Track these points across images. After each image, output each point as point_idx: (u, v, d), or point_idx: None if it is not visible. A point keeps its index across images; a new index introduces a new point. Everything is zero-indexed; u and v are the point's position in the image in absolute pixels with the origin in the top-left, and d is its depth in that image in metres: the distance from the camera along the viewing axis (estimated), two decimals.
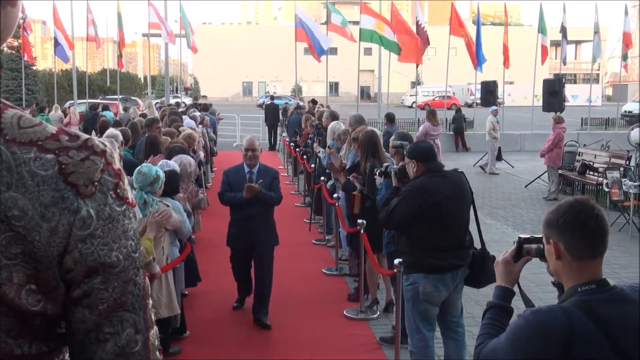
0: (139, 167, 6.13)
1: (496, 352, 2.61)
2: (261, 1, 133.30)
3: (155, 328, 1.30)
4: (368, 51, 39.52)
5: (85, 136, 1.22)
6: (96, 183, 1.19)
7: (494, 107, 21.52)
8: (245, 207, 7.28)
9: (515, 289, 2.88)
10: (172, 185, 6.85)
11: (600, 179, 14.09)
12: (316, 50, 27.61)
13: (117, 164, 1.24)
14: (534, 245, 2.83)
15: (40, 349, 1.21)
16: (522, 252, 2.87)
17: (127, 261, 1.22)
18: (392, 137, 7.32)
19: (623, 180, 13.08)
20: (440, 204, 5.30)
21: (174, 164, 7.65)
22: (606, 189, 12.91)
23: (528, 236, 2.88)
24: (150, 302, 1.30)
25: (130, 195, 1.27)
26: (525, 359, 2.50)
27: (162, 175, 6.18)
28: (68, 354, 1.27)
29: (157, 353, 1.29)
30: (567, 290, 2.55)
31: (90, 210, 1.17)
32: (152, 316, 1.29)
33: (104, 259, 1.19)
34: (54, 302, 1.18)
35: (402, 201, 5.38)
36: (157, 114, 16.73)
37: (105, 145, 1.23)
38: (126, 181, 1.26)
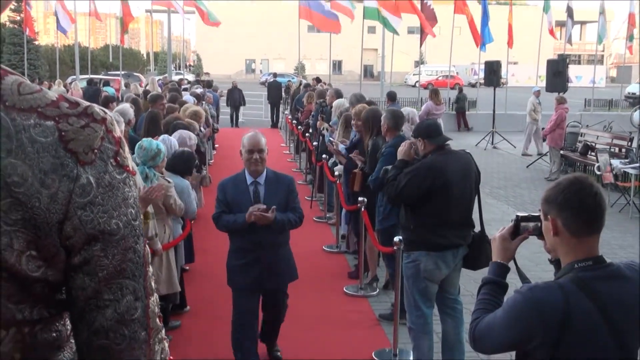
0: (140, 142, 6.14)
1: (492, 327, 2.63)
2: None
3: (156, 296, 1.30)
4: (372, 29, 39.39)
5: (85, 103, 1.21)
6: (96, 150, 1.18)
7: (537, 88, 21.25)
8: (251, 234, 5.27)
9: (512, 265, 2.90)
10: (186, 165, 6.90)
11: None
12: (328, 16, 27.45)
13: (117, 132, 1.23)
14: (531, 224, 2.85)
15: (41, 315, 1.21)
16: (519, 229, 2.88)
17: (126, 229, 1.22)
18: (383, 116, 7.24)
19: (612, 161, 13.14)
20: (450, 182, 5.31)
21: (173, 140, 7.66)
22: (597, 172, 12.93)
23: (526, 214, 2.89)
24: (151, 269, 1.30)
25: (131, 163, 1.26)
26: (521, 334, 2.53)
27: (163, 149, 6.19)
28: (69, 320, 1.28)
29: (157, 320, 1.30)
30: (564, 267, 2.58)
31: (90, 177, 1.17)
32: (152, 284, 1.29)
33: (103, 226, 1.19)
34: (54, 269, 1.18)
35: (413, 179, 5.35)
36: (159, 90, 16.76)
37: (105, 113, 1.23)
38: (127, 149, 1.26)
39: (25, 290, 1.17)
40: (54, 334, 1.25)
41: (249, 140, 5.33)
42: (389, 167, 5.88)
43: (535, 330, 2.47)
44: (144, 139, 6.26)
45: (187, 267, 8.08)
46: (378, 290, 7.80)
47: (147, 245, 1.29)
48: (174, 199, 6.19)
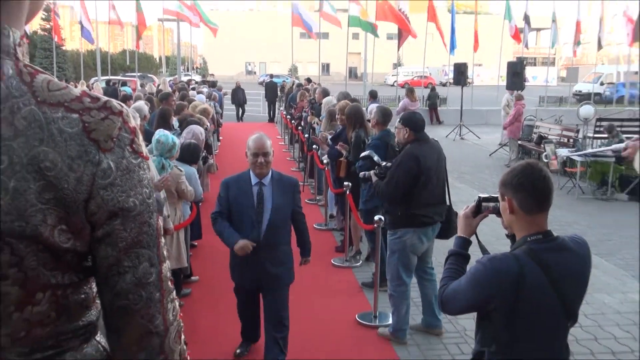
0: (157, 136, 6.13)
1: (457, 292, 2.66)
2: None
3: (167, 262, 1.31)
4: (356, 36, 39.27)
5: (105, 98, 1.22)
6: (114, 139, 1.19)
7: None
8: (252, 233, 4.66)
9: (474, 239, 2.94)
10: (193, 155, 6.94)
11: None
12: (308, 28, 27.73)
13: (133, 123, 1.25)
14: (491, 204, 2.87)
15: (71, 279, 1.23)
16: (481, 208, 2.92)
17: (142, 206, 1.24)
18: (374, 112, 7.27)
19: (560, 150, 13.24)
20: (429, 167, 5.37)
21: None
22: (545, 160, 13.00)
23: (486, 195, 2.91)
24: (163, 240, 1.31)
25: (145, 149, 1.27)
26: (482, 297, 2.56)
27: (177, 142, 6.22)
28: (95, 284, 1.30)
29: (169, 283, 1.31)
30: (518, 240, 2.61)
31: (110, 162, 1.18)
32: (165, 252, 1.31)
33: (122, 204, 1.20)
34: (81, 240, 1.20)
35: (397, 169, 5.38)
36: (170, 90, 16.81)
37: (122, 106, 1.24)
38: (140, 137, 1.27)
39: (58, 259, 1.18)
40: (82, 296, 1.27)
41: (254, 143, 4.59)
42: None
43: (494, 294, 2.50)
44: (160, 133, 6.24)
45: (196, 244, 8.11)
46: (361, 262, 7.83)
47: (159, 220, 1.30)
48: (185, 185, 6.22)
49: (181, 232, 6.35)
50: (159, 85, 24.35)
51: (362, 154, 6.04)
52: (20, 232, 1.11)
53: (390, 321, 5.82)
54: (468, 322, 5.80)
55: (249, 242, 4.54)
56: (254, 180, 4.66)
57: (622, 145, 4.02)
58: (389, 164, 5.70)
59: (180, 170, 6.19)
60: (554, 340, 2.57)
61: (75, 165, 1.15)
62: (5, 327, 1.15)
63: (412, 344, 5.59)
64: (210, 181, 10.52)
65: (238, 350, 5.30)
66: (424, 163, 5.34)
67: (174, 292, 1.34)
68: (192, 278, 7.08)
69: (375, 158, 5.95)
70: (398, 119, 5.68)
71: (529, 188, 2.54)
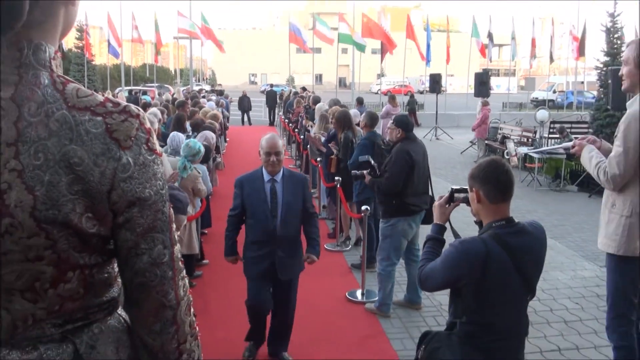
0: (188, 141, 6.26)
1: (434, 271, 2.67)
2: (264, 10, 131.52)
3: (178, 245, 1.33)
4: (345, 50, 39.20)
5: (124, 103, 1.24)
6: (133, 138, 1.21)
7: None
8: (267, 227, 4.30)
9: (448, 226, 2.94)
10: (205, 156, 6.96)
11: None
12: (303, 42, 27.82)
13: (148, 124, 1.26)
14: (462, 194, 2.88)
15: (97, 260, 1.24)
16: (453, 199, 2.92)
17: (156, 196, 1.25)
18: (362, 116, 7.30)
19: (518, 148, 13.29)
20: (417, 161, 5.40)
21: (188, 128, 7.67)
22: (507, 157, 13.04)
23: (458, 187, 2.92)
24: (174, 226, 1.32)
25: (158, 147, 1.28)
26: (454, 275, 2.57)
27: (202, 150, 6.31)
28: (116, 264, 1.31)
29: (180, 263, 1.33)
30: (484, 226, 2.61)
31: (129, 158, 1.20)
32: (176, 236, 1.32)
33: (139, 194, 1.22)
34: (105, 226, 1.22)
35: (395, 164, 5.37)
36: (184, 98, 16.83)
37: (139, 110, 1.26)
38: (154, 137, 1.28)
39: (85, 243, 1.20)
40: (106, 275, 1.29)
41: (267, 143, 4.29)
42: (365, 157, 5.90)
43: (464, 273, 2.50)
44: (191, 139, 6.38)
45: (206, 232, 8.08)
46: (350, 246, 7.82)
47: (171, 208, 1.31)
48: (201, 185, 6.28)
49: (193, 222, 6.33)
50: (174, 94, 24.31)
51: (361, 159, 5.98)
52: (53, 219, 1.13)
53: (376, 298, 5.82)
54: (443, 297, 5.81)
55: (238, 258, 4.47)
56: (266, 177, 4.33)
57: (570, 143, 4.01)
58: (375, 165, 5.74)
59: (199, 173, 6.25)
60: (515, 310, 2.58)
61: (99, 161, 1.17)
62: (42, 301, 1.18)
63: (395, 317, 5.59)
64: (218, 176, 10.50)
65: (247, 353, 4.68)
66: (414, 157, 5.38)
67: (184, 271, 1.35)
68: (203, 262, 7.06)
69: (372, 162, 5.92)
70: (391, 121, 5.69)
71: (493, 180, 2.55)
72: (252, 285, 4.46)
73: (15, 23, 1.12)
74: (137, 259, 1.25)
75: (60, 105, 1.15)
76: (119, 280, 1.33)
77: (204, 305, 5.78)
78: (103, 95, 1.26)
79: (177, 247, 1.32)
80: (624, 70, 3.52)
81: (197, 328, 1.39)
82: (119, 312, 1.36)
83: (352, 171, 6.19)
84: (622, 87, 3.59)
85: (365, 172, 5.77)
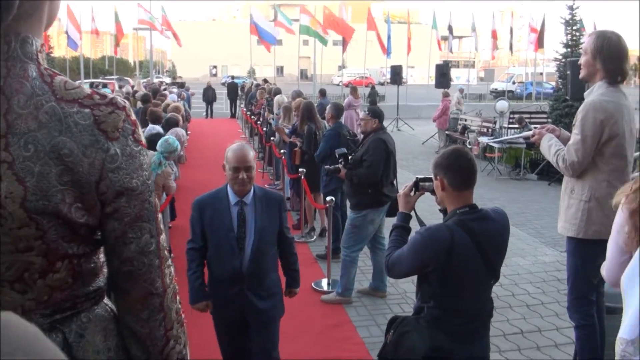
0: (167, 137, 6.25)
1: (401, 258, 2.70)
2: (224, 2, 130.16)
3: (164, 235, 1.35)
4: (306, 42, 39.10)
5: (111, 95, 1.26)
6: (120, 129, 1.23)
7: (461, 87, 21.62)
8: (233, 261, 3.34)
9: (413, 214, 2.99)
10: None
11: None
12: (269, 41, 27.68)
13: (134, 116, 1.28)
14: (426, 183, 2.92)
15: (84, 250, 1.26)
16: (417, 187, 2.97)
17: (143, 186, 1.27)
18: (328, 107, 7.33)
19: (480, 138, 13.55)
20: (392, 152, 5.53)
21: (159, 128, 7.62)
22: (469, 146, 13.28)
23: (422, 177, 2.96)
24: (160, 216, 1.35)
25: (143, 138, 1.31)
26: (420, 262, 2.61)
27: (179, 147, 6.28)
28: (103, 254, 1.33)
29: (165, 252, 1.36)
30: (449, 213, 2.66)
31: (116, 149, 1.22)
32: (161, 225, 1.34)
33: (127, 184, 1.24)
34: (93, 216, 1.24)
35: (374, 154, 5.43)
36: (144, 90, 16.63)
37: (125, 102, 1.28)
38: (140, 128, 1.30)
39: (74, 233, 1.22)
40: (92, 265, 1.30)
41: (234, 156, 3.33)
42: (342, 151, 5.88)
43: (430, 259, 2.55)
44: (169, 136, 6.37)
45: (170, 225, 8.01)
46: (315, 237, 7.87)
47: (156, 198, 1.33)
48: (172, 182, 6.30)
49: (159, 214, 6.33)
50: (134, 86, 23.93)
51: (337, 151, 5.97)
52: (43, 209, 1.15)
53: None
54: (407, 285, 5.91)
55: (209, 304, 3.43)
56: (233, 198, 3.37)
57: (530, 133, 4.14)
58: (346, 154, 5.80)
59: (172, 170, 6.25)
60: (480, 294, 2.65)
61: (88, 152, 1.19)
62: (31, 292, 1.19)
63: (360, 305, 5.66)
64: (180, 170, 10.41)
65: None
66: (389, 147, 5.51)
67: (170, 260, 1.38)
68: (170, 256, 7.03)
69: (348, 155, 5.92)
70: (366, 112, 5.76)
71: (456, 168, 2.60)
72: (224, 344, 3.56)
73: (7, 16, 1.13)
74: (124, 248, 1.27)
75: (48, 97, 1.17)
76: (105, 270, 1.35)
77: None
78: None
79: (163, 236, 1.35)
80: (582, 59, 3.65)
81: (183, 315, 1.42)
82: (106, 301, 1.38)
83: (326, 167, 6.20)
84: (580, 76, 3.73)
85: (339, 165, 5.79)
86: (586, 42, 3.67)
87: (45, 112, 1.16)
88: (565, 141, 3.71)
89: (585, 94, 3.70)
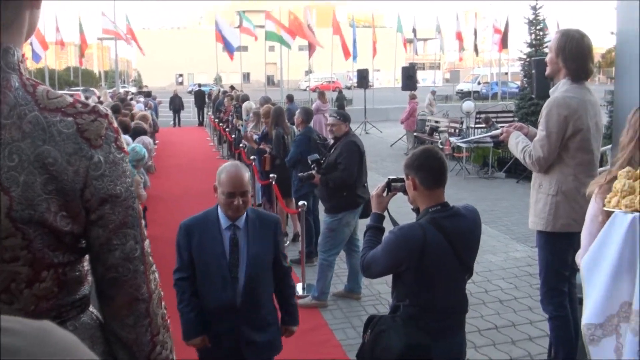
0: (133, 145, 6.20)
1: (375, 258, 2.73)
2: (189, 9, 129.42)
3: (148, 241, 1.37)
4: (272, 48, 39.12)
5: (92, 104, 1.27)
6: (103, 137, 1.24)
7: (433, 89, 21.98)
8: (225, 292, 3.00)
9: (386, 215, 3.02)
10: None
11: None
12: (229, 50, 27.68)
13: (116, 124, 1.30)
14: (398, 184, 2.95)
15: (69, 259, 1.27)
16: (390, 188, 3.00)
17: (127, 193, 1.29)
18: (297, 112, 7.36)
19: (451, 138, 13.75)
20: (364, 153, 5.62)
21: (128, 138, 7.56)
22: (440, 146, 13.46)
23: (394, 177, 2.99)
24: (143, 222, 1.36)
25: (125, 146, 1.32)
26: (394, 261, 2.64)
27: (146, 155, 6.24)
28: (88, 261, 1.34)
29: (150, 257, 1.37)
30: (421, 212, 2.70)
31: (100, 157, 1.23)
32: (145, 232, 1.36)
33: (111, 191, 1.25)
34: (78, 224, 1.24)
35: (348, 157, 5.47)
36: (110, 100, 16.47)
37: (107, 110, 1.29)
38: (122, 136, 1.31)
39: (59, 241, 1.22)
40: (77, 273, 1.31)
41: (228, 179, 2.95)
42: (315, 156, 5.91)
43: (404, 257, 2.58)
44: (137, 144, 6.29)
45: None
46: (288, 242, 7.85)
47: (139, 205, 1.35)
48: (142, 190, 6.26)
49: None
50: (100, 97, 23.62)
51: (310, 158, 5.97)
52: (29, 219, 1.16)
53: (314, 291, 5.89)
54: (382, 286, 5.95)
55: (205, 339, 3.03)
56: (224, 222, 3.04)
57: (498, 131, 4.24)
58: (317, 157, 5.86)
59: (141, 178, 6.21)
60: (455, 290, 2.70)
61: (72, 160, 1.20)
62: (17, 302, 1.20)
63: (336, 308, 5.68)
64: (150, 179, 10.32)
65: None
66: (362, 149, 5.60)
67: (154, 266, 1.39)
68: None
69: (320, 160, 5.94)
70: (336, 117, 5.79)
71: (427, 168, 2.64)
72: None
73: None
74: (109, 255, 1.28)
75: (32, 107, 1.18)
76: (90, 278, 1.35)
77: None
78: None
79: (147, 242, 1.36)
80: (547, 57, 3.77)
81: (169, 320, 1.43)
82: (91, 309, 1.38)
83: (300, 174, 6.20)
84: (546, 73, 3.84)
85: (312, 172, 5.79)
86: (552, 40, 3.78)
87: (28, 122, 1.16)
88: (533, 138, 3.80)
89: (550, 91, 3.80)
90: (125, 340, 1.33)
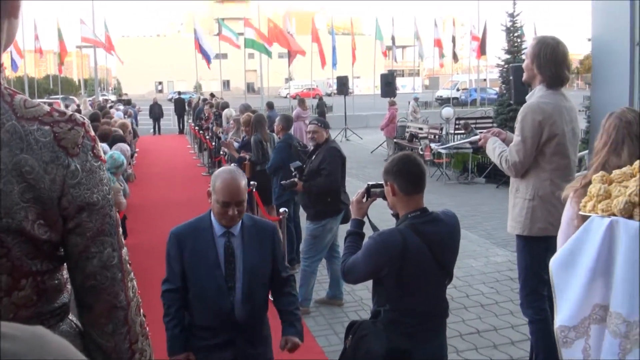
0: (111, 152, 6.14)
1: (356, 263, 2.74)
2: (168, 17, 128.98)
3: (125, 249, 1.38)
4: (251, 55, 39.05)
5: (69, 112, 1.29)
6: (79, 145, 1.25)
7: (416, 95, 22.16)
8: (223, 307, 2.81)
9: (366, 220, 3.03)
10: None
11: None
12: (206, 58, 27.73)
13: (92, 132, 1.31)
14: (378, 190, 2.97)
15: (48, 267, 1.27)
16: (370, 194, 3.02)
17: (104, 200, 1.30)
18: (277, 119, 7.37)
19: (431, 144, 13.88)
20: (344, 158, 5.70)
21: (106, 146, 7.50)
22: (421, 152, 13.57)
23: (374, 183, 3.01)
24: (120, 230, 1.37)
25: (102, 154, 1.33)
26: (375, 266, 2.65)
27: (125, 162, 6.20)
28: (67, 270, 1.34)
29: (128, 265, 1.38)
30: (401, 217, 2.72)
31: (77, 165, 1.24)
32: (122, 239, 1.37)
33: (88, 199, 1.26)
34: (56, 232, 1.25)
35: (331, 163, 5.52)
36: (90, 109, 16.38)
37: (84, 118, 1.30)
38: (99, 144, 1.32)
39: (37, 249, 1.23)
40: (56, 281, 1.32)
41: (224, 187, 2.76)
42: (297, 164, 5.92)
43: (384, 263, 2.59)
44: (114, 151, 6.26)
45: None
46: None
47: (117, 212, 1.36)
48: (122, 198, 6.19)
49: None
50: (79, 105, 23.45)
51: (292, 165, 5.97)
52: (7, 227, 1.17)
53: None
54: (364, 292, 5.96)
55: (190, 356, 2.79)
56: (218, 229, 2.83)
57: (477, 137, 4.29)
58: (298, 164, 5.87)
59: (120, 185, 6.16)
60: (435, 295, 2.71)
61: (49, 168, 1.21)
62: None
63: (319, 315, 5.68)
64: (129, 188, 10.24)
65: None
66: (343, 154, 5.68)
67: (132, 273, 1.41)
68: None
69: (302, 167, 5.95)
70: (317, 123, 5.85)
71: (405, 173, 2.66)
72: None
73: None
74: (87, 263, 1.29)
75: (9, 116, 1.19)
76: (69, 286, 1.37)
77: None
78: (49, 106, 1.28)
79: (125, 250, 1.37)
80: (524, 63, 3.83)
81: (148, 328, 1.44)
82: (70, 318, 1.39)
83: (282, 182, 6.18)
84: (522, 79, 3.90)
85: (295, 179, 5.79)
86: (528, 46, 3.85)
87: (6, 131, 1.17)
88: (510, 143, 3.85)
89: (527, 97, 3.86)
90: (105, 348, 1.34)
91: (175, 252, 2.85)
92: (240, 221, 2.86)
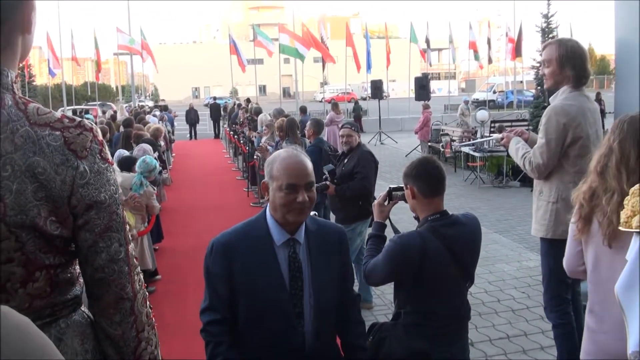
0: (144, 157, 6.34)
1: (377, 265, 2.77)
2: (204, 23, 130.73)
3: (132, 244, 1.48)
4: (287, 60, 39.29)
5: (78, 119, 1.40)
6: (88, 149, 1.37)
7: (466, 98, 22.24)
8: (290, 337, 2.12)
9: (387, 223, 3.05)
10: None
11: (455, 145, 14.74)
12: (243, 62, 28.06)
13: (100, 137, 1.42)
14: (399, 192, 3.00)
15: (60, 260, 1.39)
16: (391, 197, 3.05)
17: (111, 199, 1.40)
18: (308, 124, 7.46)
19: (453, 143, 13.81)
20: (377, 162, 5.78)
21: (124, 151, 7.76)
22: (441, 149, 13.52)
23: (396, 186, 3.03)
24: (128, 226, 1.47)
25: (109, 156, 1.44)
26: (395, 268, 2.68)
27: (158, 167, 6.36)
28: (78, 264, 1.46)
29: (134, 260, 1.49)
30: (421, 220, 2.74)
31: (85, 167, 1.35)
32: (129, 236, 1.47)
33: (96, 198, 1.37)
34: (66, 228, 1.37)
35: (365, 167, 5.60)
36: (126, 115, 16.79)
37: (92, 124, 1.41)
38: (107, 148, 1.44)
39: (50, 244, 1.34)
40: (69, 275, 1.44)
41: (287, 167, 2.15)
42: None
43: (404, 265, 2.62)
44: (147, 156, 6.50)
45: (157, 247, 8.02)
46: None
47: (124, 210, 1.46)
48: (155, 202, 6.35)
49: (145, 237, 6.34)
50: (116, 111, 24.01)
51: (326, 169, 6.01)
52: (22, 223, 1.28)
53: None
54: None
55: None
56: (279, 236, 2.17)
57: (499, 135, 4.27)
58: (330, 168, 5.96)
59: (154, 189, 6.31)
60: (455, 297, 2.72)
61: (59, 170, 1.32)
62: (13, 300, 1.31)
63: None
64: (166, 192, 10.46)
65: None
66: (375, 160, 5.75)
67: (139, 267, 1.51)
68: (156, 277, 6.99)
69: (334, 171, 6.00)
70: (350, 127, 5.88)
71: (424, 177, 2.69)
72: None
73: None
74: (96, 257, 1.39)
75: (23, 122, 1.31)
76: (81, 280, 1.47)
77: (158, 321, 5.72)
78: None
79: (132, 246, 1.47)
80: (546, 71, 3.77)
81: (154, 319, 1.55)
82: (83, 309, 1.50)
83: (315, 185, 6.23)
84: (545, 86, 3.86)
85: (327, 182, 5.82)
86: (546, 52, 3.78)
87: (20, 136, 1.29)
88: (533, 143, 3.83)
89: (550, 98, 3.83)
90: (113, 336, 1.45)
91: (221, 268, 2.15)
92: (305, 227, 2.23)
